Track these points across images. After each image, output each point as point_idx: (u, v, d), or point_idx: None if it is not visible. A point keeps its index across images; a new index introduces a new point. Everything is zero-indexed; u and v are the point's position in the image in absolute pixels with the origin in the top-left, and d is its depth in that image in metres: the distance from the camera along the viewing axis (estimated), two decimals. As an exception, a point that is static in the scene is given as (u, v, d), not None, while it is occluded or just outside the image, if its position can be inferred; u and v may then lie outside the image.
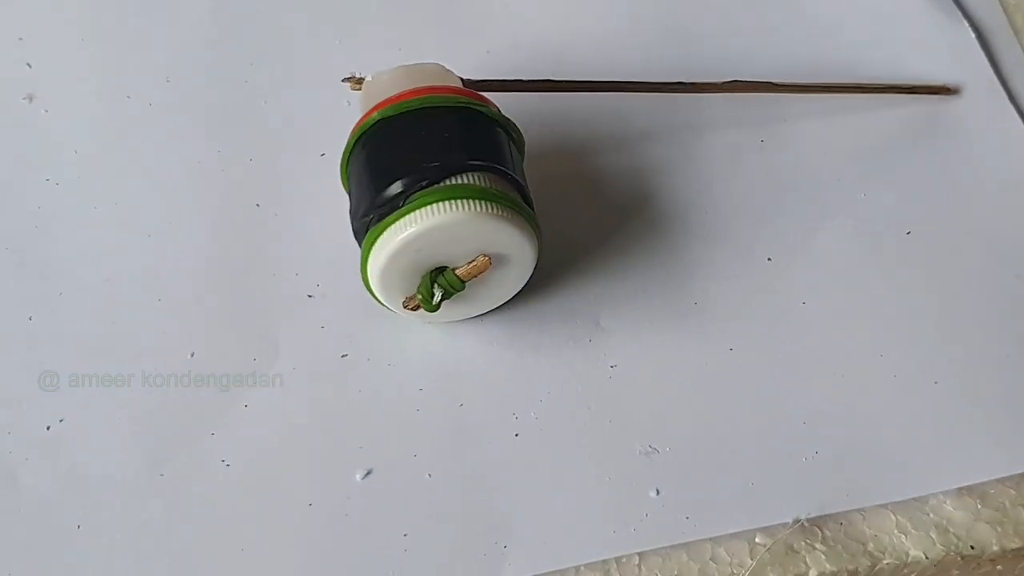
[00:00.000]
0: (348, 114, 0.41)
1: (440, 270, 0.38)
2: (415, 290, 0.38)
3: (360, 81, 0.41)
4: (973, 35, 0.51)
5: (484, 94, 0.41)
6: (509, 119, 0.40)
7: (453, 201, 0.36)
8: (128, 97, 0.47)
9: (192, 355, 0.40)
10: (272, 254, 0.43)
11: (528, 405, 0.40)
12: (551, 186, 0.44)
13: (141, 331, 0.41)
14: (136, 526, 0.37)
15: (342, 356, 0.41)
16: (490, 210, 0.37)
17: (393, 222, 0.37)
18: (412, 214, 0.36)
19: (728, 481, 0.39)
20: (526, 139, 0.42)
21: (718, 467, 0.39)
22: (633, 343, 0.42)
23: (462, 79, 0.41)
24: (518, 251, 0.39)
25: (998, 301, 0.44)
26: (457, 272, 0.38)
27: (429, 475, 0.39)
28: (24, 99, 0.46)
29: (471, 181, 0.37)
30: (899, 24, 0.52)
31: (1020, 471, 0.40)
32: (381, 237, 0.37)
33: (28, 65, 0.47)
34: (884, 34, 0.51)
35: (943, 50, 0.51)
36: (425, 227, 0.36)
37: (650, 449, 0.40)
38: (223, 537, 0.37)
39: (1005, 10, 0.52)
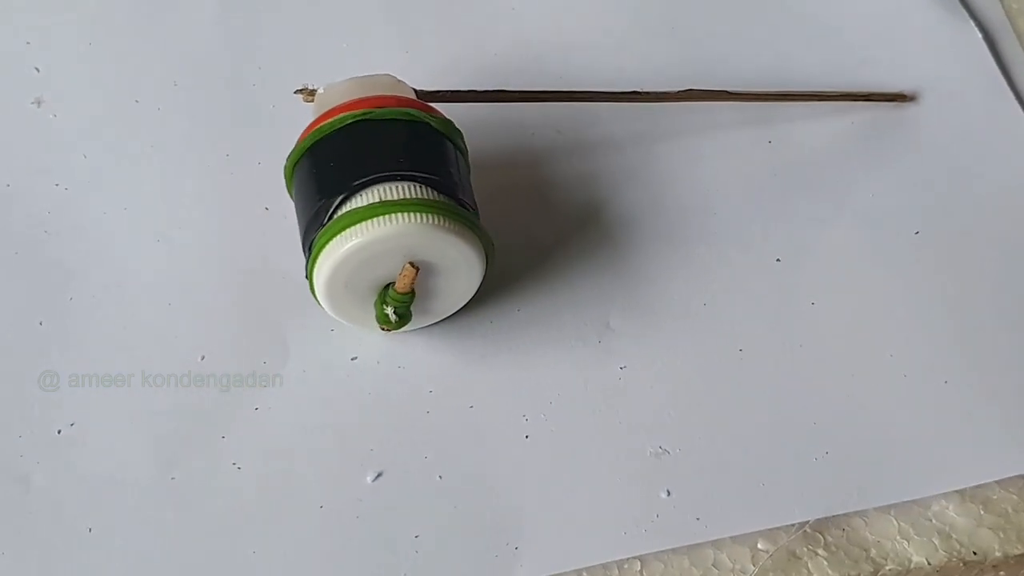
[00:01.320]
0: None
1: (387, 287, 0.38)
2: (364, 303, 0.39)
3: (312, 93, 0.41)
4: (980, 35, 0.51)
5: (439, 105, 0.41)
6: (457, 129, 0.40)
7: (393, 215, 0.36)
8: (136, 101, 0.47)
9: (202, 358, 0.40)
10: (281, 257, 0.43)
11: (538, 407, 0.40)
12: (547, 190, 0.45)
13: (151, 335, 0.41)
14: (148, 529, 0.37)
15: (352, 359, 0.41)
16: (431, 221, 0.37)
17: (335, 235, 0.36)
18: (352, 228, 0.36)
19: (738, 482, 0.39)
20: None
21: (728, 468, 0.39)
22: (642, 344, 0.42)
23: (416, 90, 0.41)
24: (463, 259, 0.38)
25: (1008, 300, 0.44)
26: (395, 287, 0.38)
27: (440, 477, 0.39)
28: (33, 103, 0.47)
29: (412, 193, 0.37)
30: (905, 24, 0.52)
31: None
32: (324, 250, 0.37)
33: (36, 69, 0.48)
34: (890, 34, 0.51)
35: (950, 50, 0.51)
36: (365, 240, 0.36)
37: (660, 450, 0.40)
38: (234, 539, 0.37)
39: (1007, 14, 0.52)
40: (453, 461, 0.39)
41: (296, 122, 0.41)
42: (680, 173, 0.46)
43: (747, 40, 0.51)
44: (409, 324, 0.40)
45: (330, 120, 0.38)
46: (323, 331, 0.41)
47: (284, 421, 0.39)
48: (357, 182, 0.37)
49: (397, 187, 0.37)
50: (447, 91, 0.42)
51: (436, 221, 0.37)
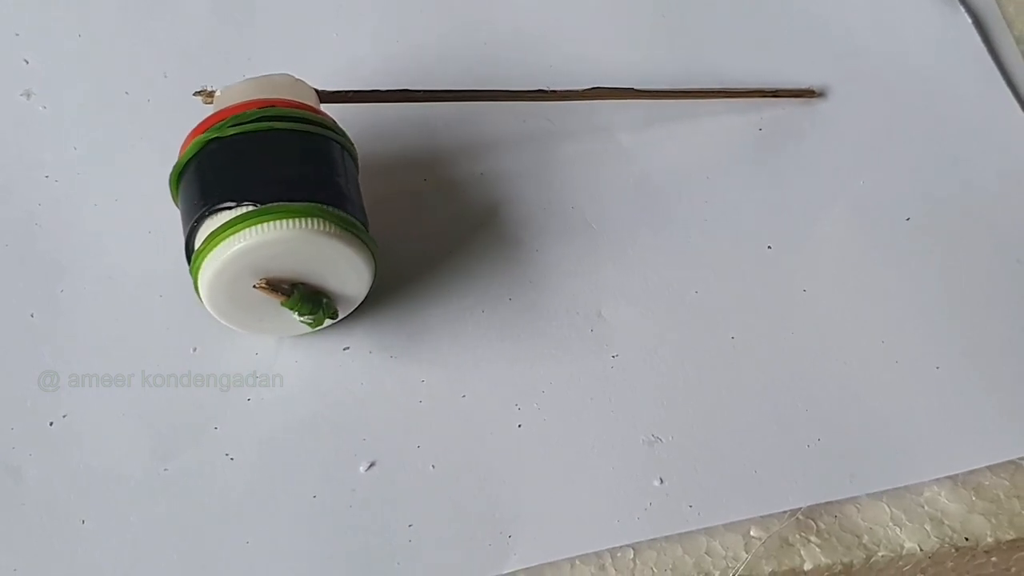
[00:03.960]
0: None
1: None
2: (249, 307, 0.38)
3: (211, 95, 0.41)
4: (969, 21, 0.51)
5: (342, 107, 0.40)
6: (342, 131, 0.40)
7: (274, 221, 0.36)
8: (126, 93, 0.47)
9: (194, 350, 0.40)
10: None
11: (530, 396, 0.40)
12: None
13: (143, 327, 0.41)
14: (141, 520, 0.37)
15: (344, 349, 0.41)
16: (312, 226, 0.36)
17: (218, 243, 0.36)
18: (234, 236, 0.36)
19: (731, 469, 0.39)
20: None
21: (721, 455, 0.39)
22: (634, 333, 0.42)
23: (317, 90, 0.41)
24: (349, 264, 0.38)
25: (999, 286, 0.44)
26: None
27: (432, 466, 0.39)
28: (22, 95, 0.46)
29: (293, 201, 0.36)
30: (895, 12, 0.52)
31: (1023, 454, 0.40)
32: (208, 257, 0.36)
33: (25, 61, 0.47)
34: (880, 22, 0.51)
35: (940, 36, 0.51)
36: (247, 246, 0.36)
37: (653, 438, 0.40)
38: (228, 530, 0.37)
39: (998, 2, 0.52)
40: (446, 450, 0.39)
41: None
42: (669, 160, 0.46)
43: (737, 33, 0.51)
44: (287, 328, 0.40)
45: (216, 126, 0.38)
46: (315, 322, 0.41)
47: (277, 412, 0.39)
48: (233, 192, 0.36)
49: (273, 195, 0.36)
50: (350, 91, 0.42)
51: (317, 226, 0.36)
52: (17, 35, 0.48)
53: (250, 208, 0.36)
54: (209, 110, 0.40)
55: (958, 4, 0.52)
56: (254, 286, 0.37)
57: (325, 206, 0.37)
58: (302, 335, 0.41)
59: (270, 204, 0.36)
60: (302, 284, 0.38)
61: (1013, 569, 0.41)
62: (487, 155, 0.46)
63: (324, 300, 0.39)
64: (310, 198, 0.37)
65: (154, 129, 0.46)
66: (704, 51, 0.50)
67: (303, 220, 0.36)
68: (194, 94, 0.41)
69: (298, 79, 0.41)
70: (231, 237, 0.36)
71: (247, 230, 0.36)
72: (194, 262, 0.37)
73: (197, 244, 0.37)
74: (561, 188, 0.45)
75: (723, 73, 0.49)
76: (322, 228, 0.36)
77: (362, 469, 0.38)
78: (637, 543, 0.38)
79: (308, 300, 0.38)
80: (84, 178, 0.44)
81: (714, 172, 0.46)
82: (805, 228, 0.45)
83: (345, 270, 0.38)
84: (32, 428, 0.39)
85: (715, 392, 0.41)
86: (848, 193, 0.46)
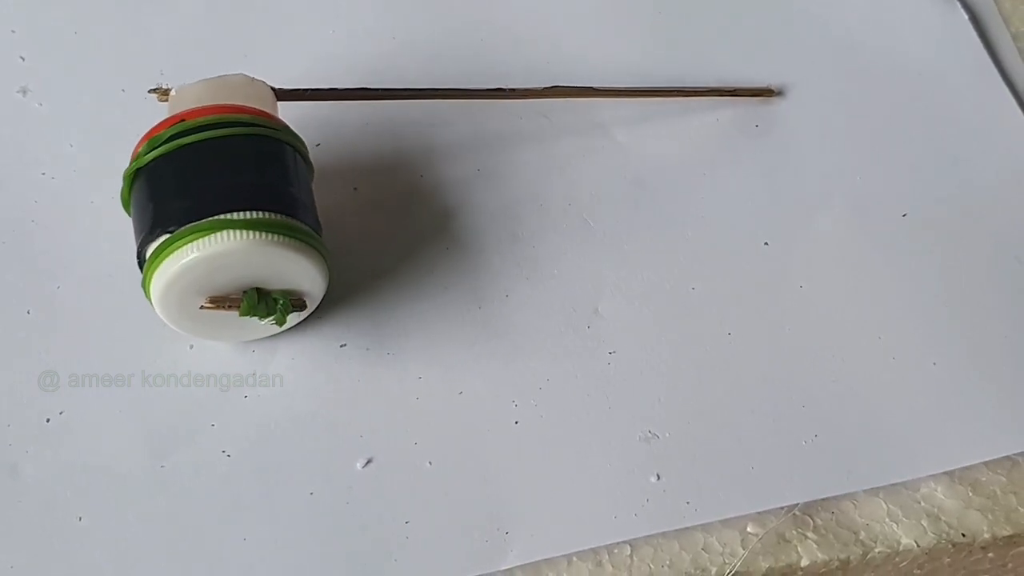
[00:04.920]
0: (342, 106, 0.41)
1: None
2: (209, 319, 0.38)
3: (167, 93, 0.40)
4: (966, 16, 0.51)
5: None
6: (295, 134, 0.40)
7: (222, 232, 0.36)
8: (123, 90, 0.47)
9: (191, 347, 0.40)
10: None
11: (527, 393, 0.40)
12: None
13: (140, 324, 0.41)
14: (138, 517, 0.37)
15: (341, 346, 0.41)
16: (262, 238, 0.36)
17: (166, 256, 0.36)
18: (181, 249, 0.36)
19: (728, 465, 0.39)
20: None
21: (718, 451, 0.39)
22: (631, 329, 0.42)
23: (274, 88, 0.41)
24: (302, 271, 0.38)
25: (997, 282, 0.44)
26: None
27: (430, 463, 0.39)
28: (18, 92, 0.46)
29: (243, 212, 0.36)
30: (893, 7, 0.52)
31: (1020, 450, 0.40)
32: (156, 272, 0.36)
33: (21, 58, 0.47)
34: (878, 18, 0.51)
35: (937, 32, 0.51)
36: (197, 258, 0.36)
37: (650, 435, 0.40)
38: (225, 527, 0.37)
39: (994, -2, 0.53)
40: (443, 447, 0.39)
41: (282, 112, 0.41)
42: (666, 157, 0.46)
43: (736, 32, 0.51)
44: (247, 332, 0.40)
45: (159, 135, 0.38)
46: (312, 318, 0.41)
47: (273, 408, 0.39)
48: (185, 202, 0.36)
49: (228, 204, 0.36)
50: (307, 90, 0.42)
51: (268, 238, 0.36)
52: (13, 32, 0.48)
53: (194, 222, 0.36)
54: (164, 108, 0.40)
55: (955, 1, 0.52)
56: (201, 307, 0.37)
57: (272, 214, 0.37)
58: (296, 334, 0.41)
59: (214, 217, 0.36)
60: (252, 290, 0.38)
61: (1009, 565, 0.41)
62: (484, 152, 0.46)
63: (279, 300, 0.38)
64: (257, 207, 0.36)
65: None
66: (700, 49, 0.50)
67: (248, 232, 0.36)
68: (149, 91, 0.40)
69: (254, 79, 0.41)
70: (179, 251, 0.36)
71: (194, 243, 0.36)
72: (144, 277, 0.37)
73: (147, 257, 0.37)
74: (558, 185, 0.45)
75: (720, 71, 0.49)
76: (270, 238, 0.36)
77: (359, 466, 0.38)
78: (634, 539, 0.38)
79: (262, 303, 0.38)
80: (81, 175, 0.44)
81: (711, 169, 0.46)
82: (802, 225, 0.45)
83: (297, 276, 0.38)
84: (28, 424, 0.39)
85: (712, 389, 0.41)
86: (845, 190, 0.46)
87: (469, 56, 0.49)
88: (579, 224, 0.44)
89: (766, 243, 0.44)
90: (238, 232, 0.36)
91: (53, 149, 0.45)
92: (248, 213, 0.36)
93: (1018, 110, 0.49)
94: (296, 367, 0.40)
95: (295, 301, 0.39)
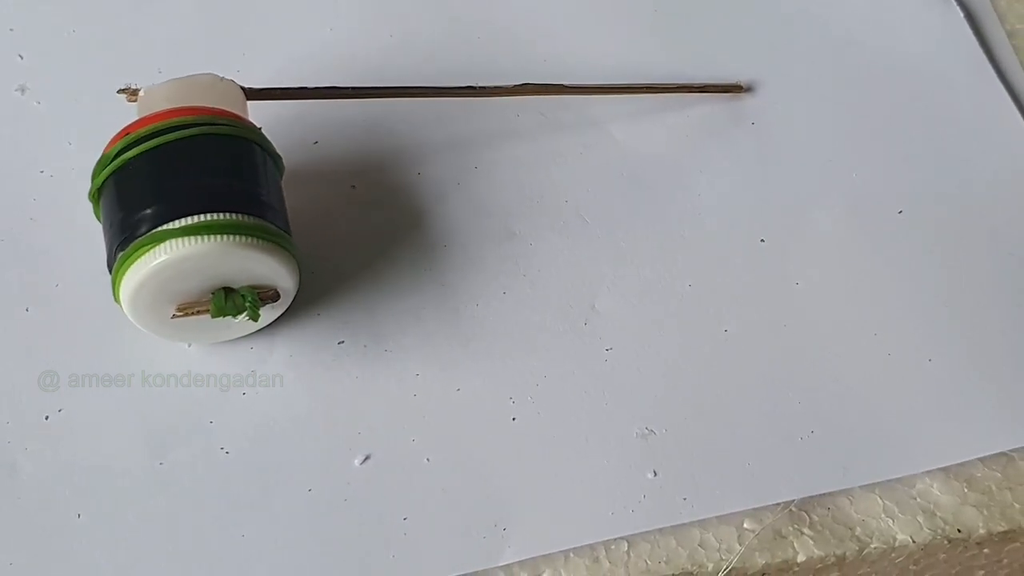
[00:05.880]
0: (340, 104, 0.41)
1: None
2: (182, 322, 0.38)
3: (135, 93, 0.40)
4: (962, 15, 0.51)
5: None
6: (261, 134, 0.40)
7: (191, 237, 0.36)
8: (121, 88, 0.47)
9: (189, 345, 0.40)
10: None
11: (525, 389, 0.40)
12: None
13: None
14: (136, 514, 0.37)
15: (339, 343, 0.41)
16: (232, 241, 0.36)
17: (135, 259, 0.36)
18: (149, 253, 0.36)
19: (725, 461, 0.39)
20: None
21: (715, 448, 0.39)
22: (628, 326, 0.42)
23: (243, 88, 0.41)
24: (274, 273, 0.38)
25: (992, 278, 0.44)
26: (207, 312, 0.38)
27: (427, 459, 0.39)
28: (16, 91, 0.46)
29: (213, 215, 0.36)
30: (889, 6, 0.52)
31: (1016, 446, 0.40)
32: (125, 276, 0.36)
33: (20, 56, 0.47)
34: (874, 16, 0.52)
35: (933, 31, 0.51)
36: (166, 262, 0.36)
37: (647, 431, 0.40)
38: (223, 523, 0.37)
39: (988, -5, 0.53)
40: (440, 444, 0.39)
41: (278, 109, 0.41)
42: (662, 154, 0.47)
43: (734, 30, 0.51)
44: (221, 332, 0.40)
45: (128, 137, 0.38)
46: (310, 315, 0.41)
47: (272, 405, 0.40)
48: (153, 207, 0.36)
49: (197, 206, 0.36)
50: (277, 88, 0.41)
51: (238, 240, 0.36)
52: (11, 30, 0.48)
53: (164, 227, 0.36)
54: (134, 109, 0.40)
55: (951, -2, 0.52)
56: (172, 316, 0.37)
57: (240, 215, 0.37)
58: (294, 332, 0.41)
59: (179, 221, 0.36)
60: (219, 290, 0.38)
61: (1005, 560, 0.41)
62: (481, 149, 0.46)
63: (246, 296, 0.38)
64: (224, 209, 0.36)
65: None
66: (698, 47, 0.50)
67: (216, 237, 0.36)
68: (118, 92, 0.40)
69: (223, 78, 0.41)
70: (147, 255, 0.36)
71: (160, 246, 0.36)
72: (113, 281, 0.37)
73: (114, 265, 0.37)
74: (554, 182, 0.45)
75: (719, 70, 0.49)
76: (236, 240, 0.36)
77: (357, 462, 0.39)
78: (631, 535, 0.38)
79: (229, 302, 0.38)
80: (79, 173, 0.44)
81: (707, 166, 0.46)
82: (798, 221, 0.45)
83: (267, 277, 0.38)
84: (27, 422, 0.39)
85: (709, 385, 0.41)
86: (841, 187, 0.46)
87: (469, 55, 0.49)
88: (576, 221, 0.44)
89: (762, 240, 0.44)
90: (205, 238, 0.36)
91: (52, 147, 0.45)
92: (198, 217, 0.36)
93: (1014, 108, 0.49)
94: (294, 365, 0.40)
95: (265, 294, 0.39)
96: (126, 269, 0.36)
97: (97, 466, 0.38)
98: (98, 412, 0.39)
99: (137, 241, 0.36)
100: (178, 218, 0.36)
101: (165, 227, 0.36)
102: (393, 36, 0.49)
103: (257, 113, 0.41)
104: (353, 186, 0.45)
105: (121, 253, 0.37)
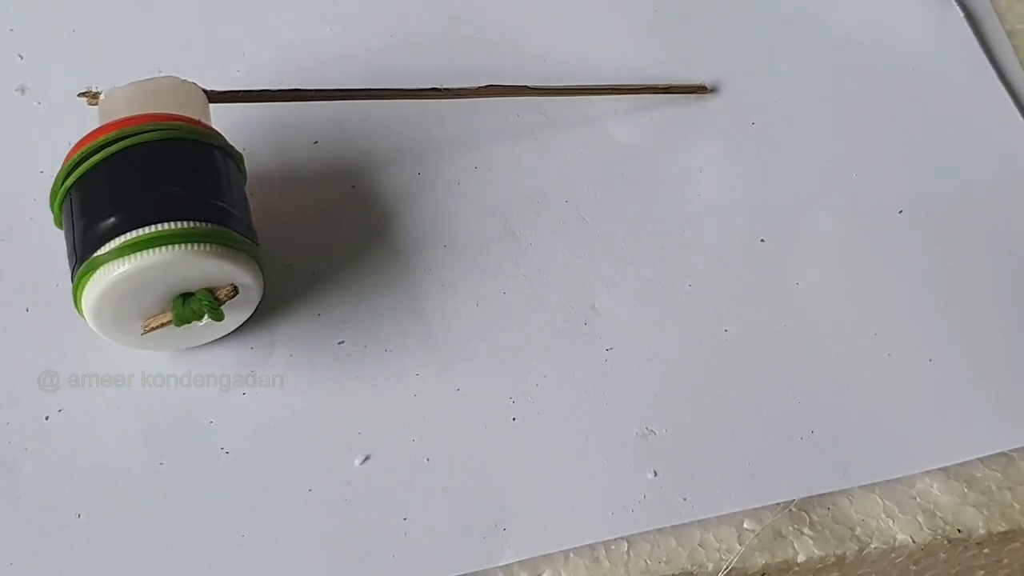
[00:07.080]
0: (339, 104, 0.41)
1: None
2: (136, 325, 0.38)
3: (96, 96, 0.40)
4: (961, 14, 0.51)
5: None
6: (228, 143, 0.40)
7: (148, 250, 0.35)
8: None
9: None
10: (268, 242, 0.43)
11: (525, 389, 0.40)
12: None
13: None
14: (136, 514, 0.37)
15: (339, 343, 0.41)
16: (194, 249, 0.36)
17: (97, 268, 0.36)
18: (109, 264, 0.36)
19: (725, 461, 0.39)
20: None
21: (715, 448, 0.39)
22: (628, 326, 0.42)
23: (206, 90, 0.41)
24: (235, 278, 0.38)
25: (992, 278, 0.44)
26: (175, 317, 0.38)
27: (427, 459, 0.39)
28: (16, 91, 0.46)
29: (176, 223, 0.36)
30: (889, 5, 0.52)
31: (1016, 446, 0.40)
32: (87, 287, 0.36)
33: (20, 56, 0.47)
34: (873, 15, 0.52)
35: (932, 30, 0.51)
36: (124, 273, 0.35)
37: (647, 431, 0.40)
38: (223, 524, 0.37)
39: (988, -5, 0.53)
40: (440, 444, 0.39)
41: (278, 109, 0.41)
42: (662, 154, 0.47)
43: (733, 29, 0.51)
44: (187, 338, 0.40)
45: (95, 143, 0.38)
46: (310, 315, 0.41)
47: (272, 405, 0.40)
48: (118, 214, 0.36)
49: (159, 215, 0.36)
50: (239, 91, 0.41)
51: (200, 248, 0.36)
52: (11, 30, 0.48)
53: (121, 238, 0.36)
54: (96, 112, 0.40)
55: (950, -3, 0.52)
56: (141, 334, 0.37)
57: (200, 223, 0.36)
58: (294, 332, 0.41)
59: (133, 232, 0.36)
60: (178, 297, 0.38)
61: (1004, 560, 0.41)
62: (481, 149, 0.46)
63: (202, 299, 0.38)
64: (185, 217, 0.36)
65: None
66: (699, 48, 0.50)
67: (175, 246, 0.36)
68: (79, 95, 0.40)
69: (184, 80, 0.40)
70: (104, 267, 0.36)
71: (117, 261, 0.36)
72: (74, 294, 0.37)
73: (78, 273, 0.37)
74: (554, 182, 0.45)
75: (718, 69, 0.49)
76: (199, 248, 0.36)
77: (357, 462, 0.39)
78: (631, 535, 0.38)
79: (187, 307, 0.38)
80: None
81: (707, 165, 0.46)
82: (798, 221, 0.45)
83: (229, 280, 0.38)
84: (27, 422, 0.39)
85: (709, 385, 0.41)
86: (841, 187, 0.46)
87: (469, 55, 0.49)
88: (576, 221, 0.44)
89: (762, 240, 0.44)
90: (156, 249, 0.36)
91: (51, 147, 0.45)
92: (156, 227, 0.36)
93: (1014, 108, 0.49)
94: (294, 365, 0.40)
95: (221, 292, 0.38)
96: (84, 284, 0.36)
97: (97, 466, 0.38)
98: (98, 412, 0.39)
99: (96, 256, 0.36)
100: (134, 229, 0.36)
101: (122, 239, 0.36)
102: (393, 36, 0.49)
103: (257, 114, 0.41)
104: (353, 186, 0.45)
105: (79, 268, 0.36)
